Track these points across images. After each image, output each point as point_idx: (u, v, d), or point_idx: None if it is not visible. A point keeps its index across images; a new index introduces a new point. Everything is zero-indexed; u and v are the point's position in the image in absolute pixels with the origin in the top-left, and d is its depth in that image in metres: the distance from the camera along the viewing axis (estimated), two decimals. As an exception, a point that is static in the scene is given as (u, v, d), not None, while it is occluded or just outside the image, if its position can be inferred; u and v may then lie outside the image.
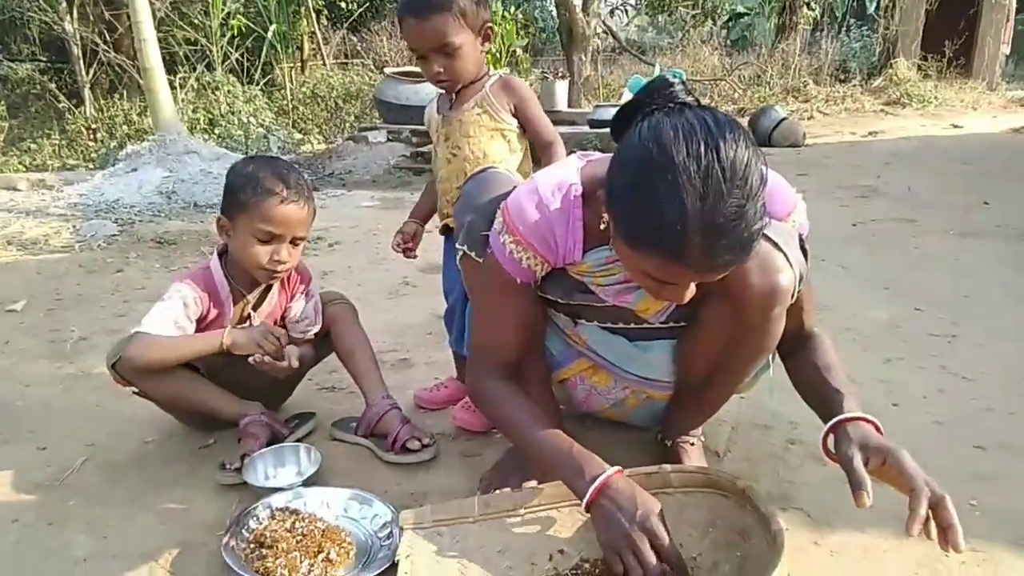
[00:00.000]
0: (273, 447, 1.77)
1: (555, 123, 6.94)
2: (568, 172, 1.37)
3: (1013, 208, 4.41)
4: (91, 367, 2.43)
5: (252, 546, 1.44)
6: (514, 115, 1.85)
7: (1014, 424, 1.90)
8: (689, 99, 1.16)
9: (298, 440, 1.85)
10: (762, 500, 1.26)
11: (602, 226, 1.25)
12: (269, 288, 1.91)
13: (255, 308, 1.90)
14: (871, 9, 12.97)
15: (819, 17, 13.30)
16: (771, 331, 1.35)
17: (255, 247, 1.76)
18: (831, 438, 1.29)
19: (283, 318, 1.96)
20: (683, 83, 1.18)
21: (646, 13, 16.52)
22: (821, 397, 1.37)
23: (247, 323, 1.88)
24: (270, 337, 1.73)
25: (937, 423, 1.91)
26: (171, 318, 1.75)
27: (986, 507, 1.54)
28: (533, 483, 1.59)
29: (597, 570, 1.31)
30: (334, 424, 1.95)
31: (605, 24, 13.19)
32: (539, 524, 1.43)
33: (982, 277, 3.22)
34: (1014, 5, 12.90)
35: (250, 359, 1.74)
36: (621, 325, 1.51)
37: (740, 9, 15.41)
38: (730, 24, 15.63)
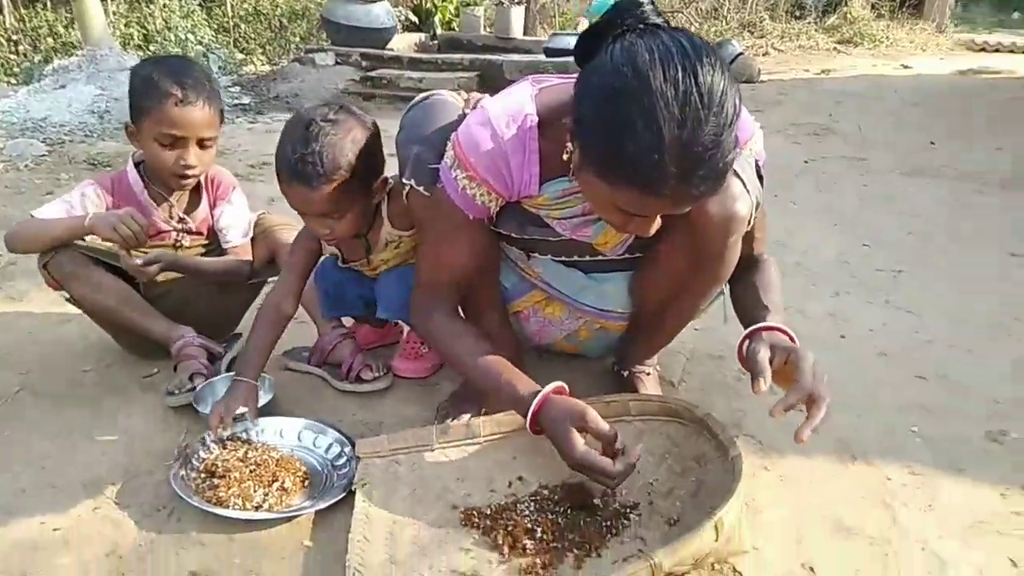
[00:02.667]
0: (225, 375, 1.72)
1: (510, 51, 6.71)
2: (522, 100, 1.31)
3: (958, 149, 4.51)
4: (22, 293, 2.31)
5: (203, 475, 1.40)
6: None
7: (953, 356, 1.97)
8: (659, 20, 1.10)
9: (232, 359, 1.81)
10: (721, 427, 1.28)
11: (564, 156, 1.20)
12: (199, 194, 1.87)
13: (187, 213, 1.86)
14: (829, -55, 12.84)
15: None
16: (727, 258, 1.35)
17: (160, 152, 1.71)
18: (747, 345, 1.29)
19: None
20: (652, 3, 1.13)
21: (604, -61, 16.00)
22: (750, 313, 1.37)
23: (181, 225, 1.85)
24: (129, 222, 1.62)
25: (882, 355, 1.97)
26: (64, 208, 1.73)
27: (926, 435, 1.60)
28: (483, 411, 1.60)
29: (556, 496, 1.32)
30: (285, 353, 1.89)
31: (563, -52, 12.73)
32: (497, 451, 1.43)
33: (927, 216, 3.30)
34: (967, -53, 12.95)
35: (120, 256, 1.69)
36: (576, 258, 1.49)
37: (698, -61, 15.05)
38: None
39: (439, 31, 8.05)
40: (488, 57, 6.78)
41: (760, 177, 1.32)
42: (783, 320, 1.32)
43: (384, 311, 1.73)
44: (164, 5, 7.49)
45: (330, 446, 1.54)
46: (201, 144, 1.73)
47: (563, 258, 1.49)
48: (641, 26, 1.07)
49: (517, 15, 7.75)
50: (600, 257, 1.46)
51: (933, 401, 1.74)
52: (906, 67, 8.16)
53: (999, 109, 5.62)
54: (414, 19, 8.34)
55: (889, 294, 2.39)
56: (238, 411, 1.50)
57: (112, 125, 4.88)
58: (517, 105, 1.30)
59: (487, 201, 1.34)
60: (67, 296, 1.78)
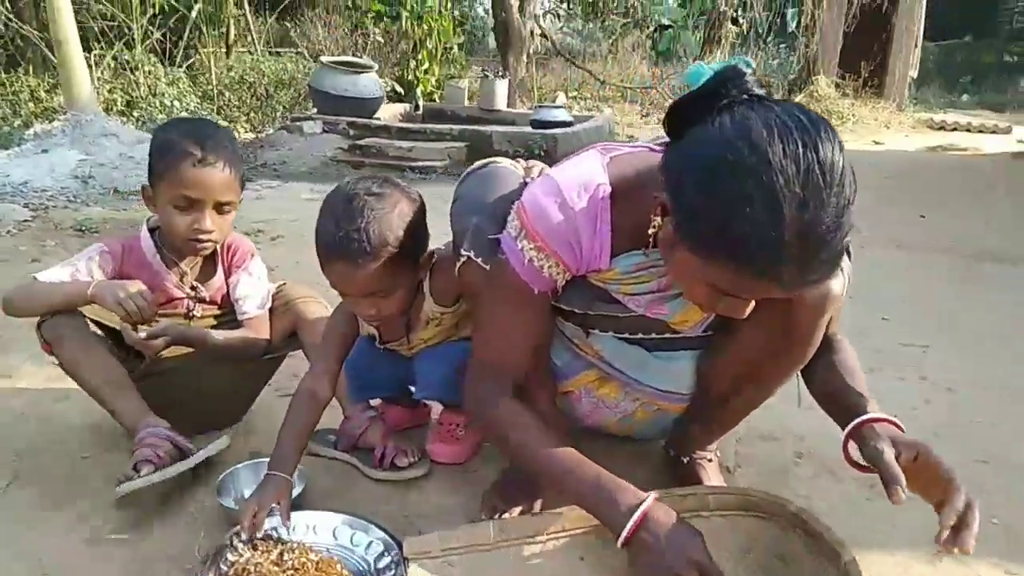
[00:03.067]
0: (250, 462, 1.57)
1: (496, 123, 6.72)
2: (593, 169, 1.24)
3: (945, 222, 4.59)
4: (12, 368, 2.13)
5: (233, 582, 1.25)
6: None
7: (1004, 437, 1.90)
8: (762, 91, 1.05)
9: (208, 459, 1.56)
10: (823, 526, 1.17)
11: (650, 230, 1.12)
12: (214, 261, 1.76)
13: (201, 281, 1.75)
14: (792, 27, 13.46)
15: (745, 33, 13.70)
16: (814, 339, 1.27)
17: (175, 216, 1.60)
18: (852, 443, 1.20)
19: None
20: (753, 72, 1.08)
21: (581, 18, 16.60)
22: (841, 401, 1.28)
23: (195, 295, 1.73)
24: (135, 296, 1.52)
25: (936, 435, 1.89)
26: (69, 272, 1.62)
27: (1007, 523, 1.51)
28: (539, 504, 1.48)
29: (637, 604, 1.19)
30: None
31: (540, 26, 13.16)
32: (564, 553, 1.30)
33: (934, 289, 3.30)
34: (921, 31, 13.68)
35: (122, 329, 1.58)
36: (641, 336, 1.40)
37: (664, 21, 15.68)
38: (655, 35, 15.91)
39: (421, 103, 8.14)
40: (476, 128, 6.83)
41: (847, 251, 1.25)
42: (880, 409, 1.24)
43: (423, 391, 1.62)
44: (149, 71, 7.45)
45: (370, 544, 1.39)
46: (219, 209, 1.63)
47: (626, 335, 1.39)
48: (746, 96, 1.01)
49: (501, 87, 7.88)
50: (668, 335, 1.37)
51: (1001, 485, 1.66)
52: (878, 143, 8.44)
53: (975, 183, 5.79)
54: (400, 90, 8.43)
55: (921, 369, 2.34)
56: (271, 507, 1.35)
57: (96, 191, 4.74)
58: (588, 174, 1.23)
59: (555, 273, 1.25)
60: (56, 362, 1.62)
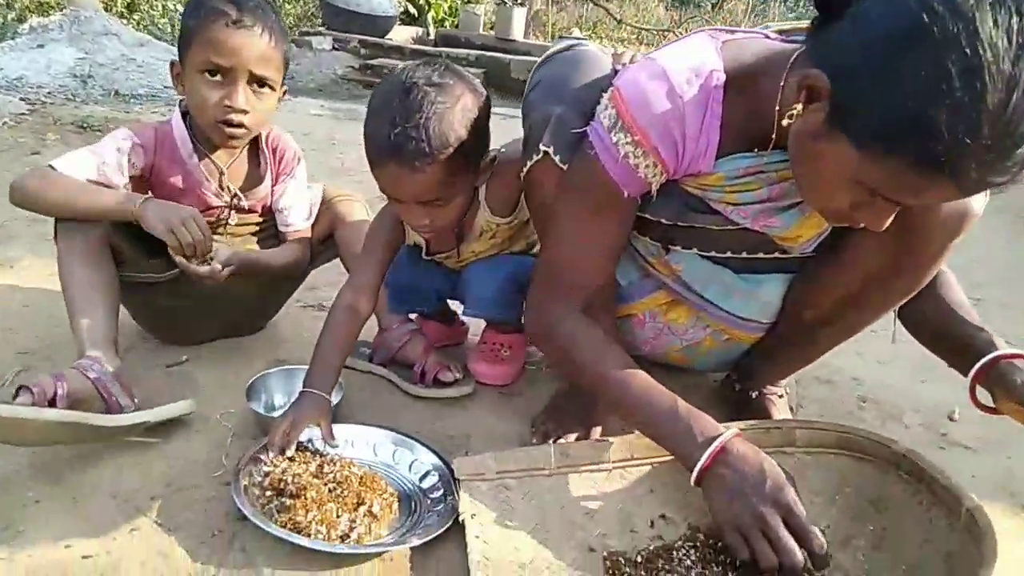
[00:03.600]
0: (281, 368, 1.44)
1: (510, 52, 6.44)
2: (705, 54, 1.07)
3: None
4: (13, 259, 1.97)
5: (268, 494, 1.13)
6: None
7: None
8: None
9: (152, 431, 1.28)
10: (935, 468, 1.05)
11: (785, 121, 0.96)
12: (259, 166, 1.54)
13: (246, 189, 1.53)
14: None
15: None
16: (936, 265, 1.14)
17: (204, 88, 1.38)
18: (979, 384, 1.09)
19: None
20: None
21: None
22: (957, 337, 1.16)
23: (232, 202, 1.52)
24: (191, 224, 1.32)
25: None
26: (95, 163, 1.37)
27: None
28: (597, 431, 1.36)
29: (719, 544, 1.08)
30: (339, 348, 1.61)
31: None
32: (632, 483, 1.19)
33: (982, 242, 3.17)
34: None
35: (179, 264, 1.35)
36: (730, 255, 1.25)
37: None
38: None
39: (431, 28, 7.80)
40: (494, 55, 6.55)
41: None
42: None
43: (474, 308, 1.47)
44: (152, -27, 7.06)
45: (414, 463, 1.27)
46: (257, 84, 1.41)
47: (713, 253, 1.25)
48: None
49: (519, 16, 7.54)
50: (762, 254, 1.23)
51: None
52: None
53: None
54: (413, 11, 8.07)
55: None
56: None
57: (97, 92, 4.49)
58: (700, 58, 1.06)
59: (651, 175, 1.10)
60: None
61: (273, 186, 1.56)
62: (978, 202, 1.05)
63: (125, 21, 6.37)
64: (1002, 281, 2.62)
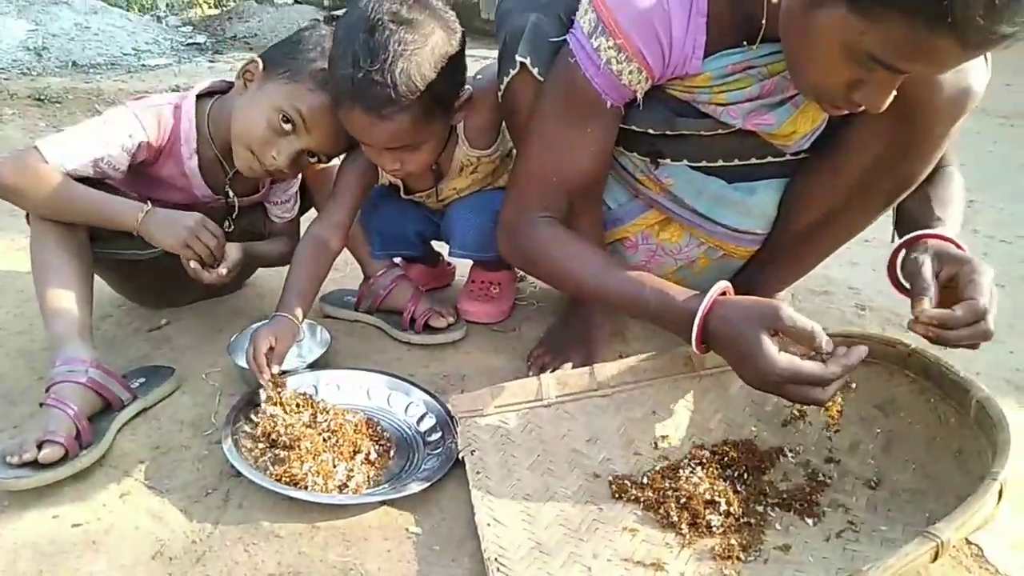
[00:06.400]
0: (262, 323, 1.38)
1: None
2: None
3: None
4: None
5: (261, 447, 1.09)
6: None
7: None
8: None
9: (144, 410, 1.22)
10: (941, 363, 1.02)
11: None
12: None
13: (242, 194, 1.41)
14: None
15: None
16: (938, 152, 1.09)
17: (269, 128, 1.22)
18: (903, 255, 1.05)
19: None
20: None
21: None
22: (914, 224, 1.10)
23: (227, 202, 1.39)
24: (204, 234, 1.22)
25: (998, 285, 1.75)
26: (92, 157, 1.21)
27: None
28: (595, 357, 1.32)
29: (725, 458, 1.06)
30: (323, 298, 1.57)
31: None
32: (630, 405, 1.16)
33: (969, 146, 3.12)
34: None
35: (190, 270, 1.25)
36: (722, 163, 1.20)
37: None
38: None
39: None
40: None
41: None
42: (957, 235, 1.06)
43: (460, 249, 1.42)
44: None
45: (409, 406, 1.24)
46: (316, 156, 1.29)
47: (704, 163, 1.19)
48: None
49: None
50: (755, 160, 1.17)
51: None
52: None
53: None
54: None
55: (972, 223, 2.18)
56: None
57: (53, 64, 4.33)
58: None
59: (634, 81, 1.04)
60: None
61: (271, 185, 1.46)
62: (979, 80, 1.00)
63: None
64: (988, 184, 2.58)
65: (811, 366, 0.89)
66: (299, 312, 1.24)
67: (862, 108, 0.91)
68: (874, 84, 0.86)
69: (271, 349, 1.17)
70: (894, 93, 0.89)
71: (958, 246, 1.02)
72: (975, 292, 0.93)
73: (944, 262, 0.98)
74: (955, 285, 0.97)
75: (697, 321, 0.95)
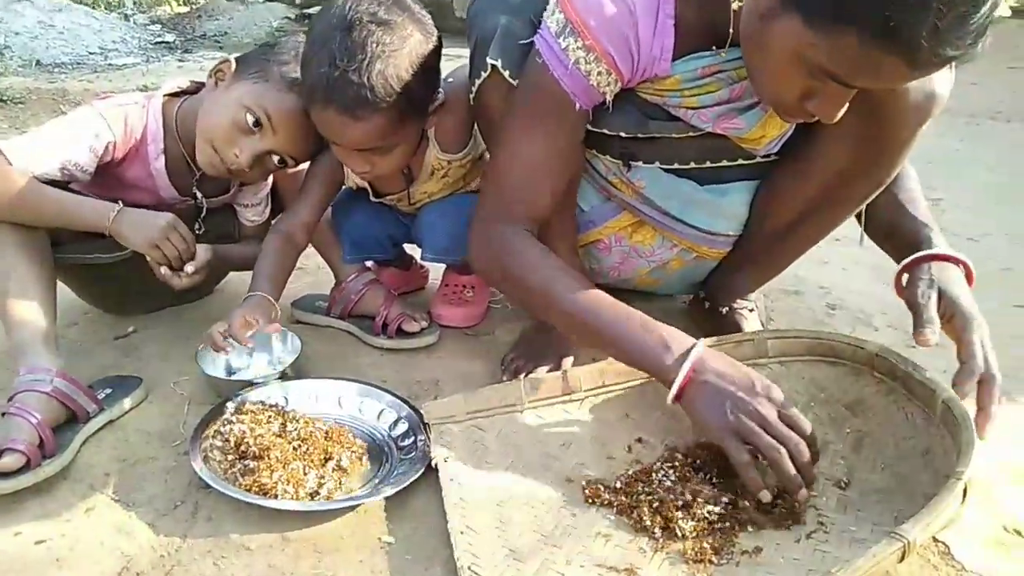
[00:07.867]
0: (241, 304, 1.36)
1: None
2: None
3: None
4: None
5: (231, 458, 1.08)
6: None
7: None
8: None
9: (110, 421, 1.19)
10: (908, 363, 1.03)
11: (736, 4, 0.90)
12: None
13: (210, 195, 1.39)
14: None
15: None
16: (905, 153, 1.10)
17: (236, 128, 1.22)
18: (906, 276, 1.08)
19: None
20: None
21: None
22: (903, 235, 1.13)
23: (195, 203, 1.38)
24: (174, 235, 1.21)
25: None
26: (59, 160, 1.19)
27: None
28: (568, 362, 1.32)
29: (697, 461, 1.06)
30: (294, 304, 1.55)
31: None
32: (606, 410, 1.16)
33: (935, 144, 3.18)
34: None
35: (158, 273, 1.24)
36: (693, 165, 1.20)
37: None
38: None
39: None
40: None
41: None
42: (943, 241, 1.09)
43: (432, 253, 1.41)
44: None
45: (382, 412, 1.23)
46: (283, 160, 1.28)
47: (676, 166, 1.20)
48: None
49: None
50: (725, 162, 1.18)
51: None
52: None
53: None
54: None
55: (939, 222, 2.22)
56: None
57: (15, 63, 4.25)
58: None
59: (603, 83, 1.04)
60: None
61: (240, 187, 1.44)
62: (944, 85, 1.02)
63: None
64: (956, 183, 2.63)
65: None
66: (273, 292, 1.25)
67: (816, 119, 0.92)
68: (826, 96, 0.88)
69: (246, 323, 1.17)
70: (846, 106, 0.90)
71: (955, 261, 1.06)
72: (967, 353, 0.95)
73: (945, 304, 1.00)
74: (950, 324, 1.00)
75: (676, 387, 0.98)
